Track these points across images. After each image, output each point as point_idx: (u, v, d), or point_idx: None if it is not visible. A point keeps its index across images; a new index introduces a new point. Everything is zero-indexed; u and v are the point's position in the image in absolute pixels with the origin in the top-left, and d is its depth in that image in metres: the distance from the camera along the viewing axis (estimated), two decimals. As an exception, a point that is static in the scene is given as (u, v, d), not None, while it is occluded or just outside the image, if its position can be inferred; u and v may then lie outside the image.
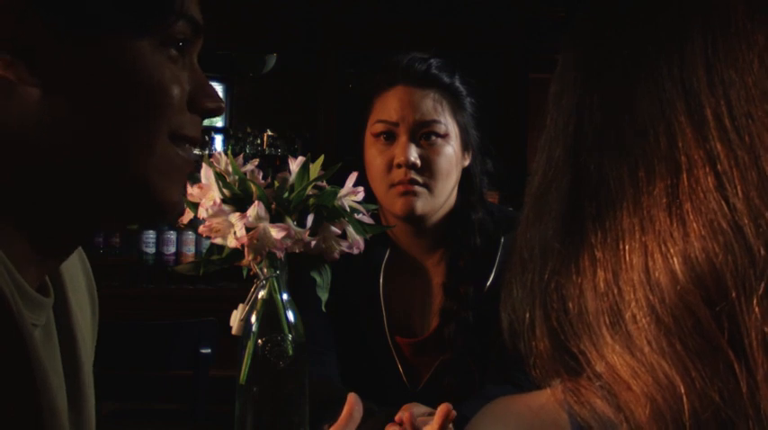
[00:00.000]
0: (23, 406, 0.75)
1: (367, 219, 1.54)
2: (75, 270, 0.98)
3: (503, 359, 1.77)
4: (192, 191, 1.48)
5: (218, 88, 5.75)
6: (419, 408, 1.62)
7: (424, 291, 1.91)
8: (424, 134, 1.82)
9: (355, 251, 1.52)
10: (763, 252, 0.59)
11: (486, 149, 1.93)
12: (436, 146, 1.82)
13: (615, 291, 0.63)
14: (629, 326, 0.62)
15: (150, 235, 4.57)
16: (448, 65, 1.89)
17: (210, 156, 1.54)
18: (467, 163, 1.90)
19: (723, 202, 0.60)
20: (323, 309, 1.55)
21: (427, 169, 1.81)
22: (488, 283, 1.85)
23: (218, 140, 5.60)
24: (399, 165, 1.80)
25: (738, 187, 0.60)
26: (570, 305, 0.66)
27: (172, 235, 4.57)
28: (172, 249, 4.58)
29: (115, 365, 3.02)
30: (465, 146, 1.88)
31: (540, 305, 0.68)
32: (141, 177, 0.82)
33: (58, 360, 0.90)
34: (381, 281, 1.89)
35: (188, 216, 1.52)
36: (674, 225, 0.62)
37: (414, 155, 1.80)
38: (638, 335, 0.62)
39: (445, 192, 1.85)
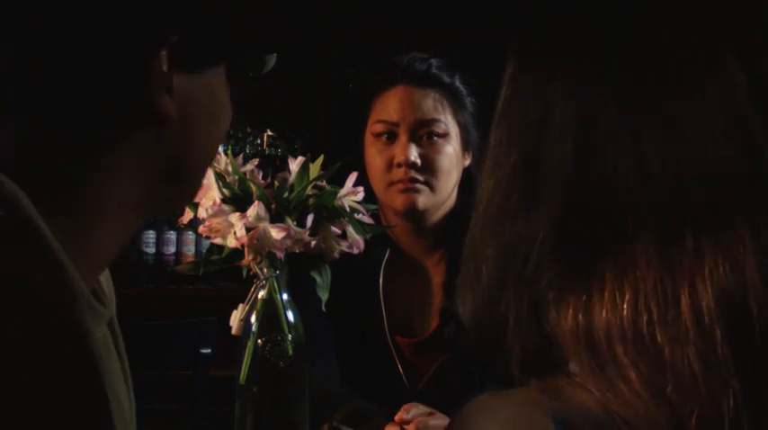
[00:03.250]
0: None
1: (367, 219, 1.54)
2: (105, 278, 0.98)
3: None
4: (192, 191, 1.48)
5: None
6: (419, 409, 1.61)
7: (424, 291, 1.91)
8: (425, 133, 1.82)
9: (355, 251, 1.52)
10: None
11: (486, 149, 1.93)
12: (437, 145, 1.83)
13: (634, 312, 0.63)
14: (655, 348, 0.62)
15: (150, 235, 4.56)
16: (448, 64, 1.89)
17: (210, 155, 1.54)
18: (467, 163, 1.90)
19: None
20: (323, 308, 1.55)
21: (428, 167, 1.81)
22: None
23: (218, 140, 5.58)
24: (399, 165, 1.80)
25: None
26: (569, 316, 0.66)
27: (172, 235, 4.56)
28: (172, 249, 4.57)
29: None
30: (465, 146, 1.88)
31: (529, 310, 0.68)
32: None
33: (120, 375, 0.91)
34: (381, 281, 1.89)
35: (188, 216, 1.52)
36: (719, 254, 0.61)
37: (414, 154, 1.80)
38: (662, 357, 0.61)
39: (446, 190, 1.85)
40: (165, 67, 0.76)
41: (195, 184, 0.88)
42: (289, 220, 1.44)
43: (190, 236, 4.55)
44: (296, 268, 1.52)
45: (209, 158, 0.88)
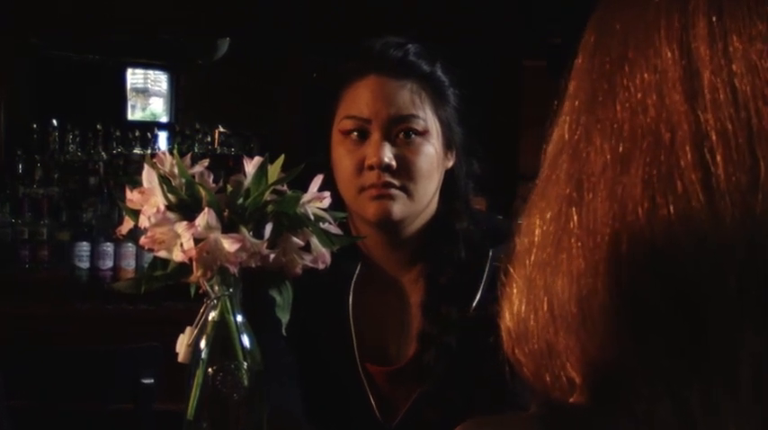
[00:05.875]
0: None
1: (334, 229, 1.54)
2: None
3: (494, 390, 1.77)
4: (133, 196, 1.48)
5: (162, 77, 5.73)
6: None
7: (399, 313, 1.91)
8: (401, 131, 1.82)
9: (321, 266, 1.52)
10: (737, 235, 0.60)
11: (471, 149, 1.93)
12: (414, 144, 1.82)
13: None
14: None
15: (84, 247, 4.54)
16: (428, 51, 1.89)
17: (153, 155, 1.53)
18: (450, 164, 1.90)
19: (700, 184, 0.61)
20: (283, 332, 1.55)
21: (404, 171, 1.81)
22: (474, 304, 1.85)
23: (163, 138, 5.57)
24: (372, 167, 1.80)
25: (721, 167, 0.61)
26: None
27: (109, 247, 4.54)
28: (109, 263, 4.55)
29: (42, 397, 2.99)
30: (448, 144, 1.88)
31: None
32: None
33: None
34: (351, 300, 1.89)
35: (127, 225, 1.52)
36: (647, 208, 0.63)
37: (388, 155, 1.79)
38: None
39: (426, 197, 1.85)
40: None
41: None
42: (244, 230, 1.44)
43: (129, 248, 4.53)
44: (252, 285, 1.52)
45: None
